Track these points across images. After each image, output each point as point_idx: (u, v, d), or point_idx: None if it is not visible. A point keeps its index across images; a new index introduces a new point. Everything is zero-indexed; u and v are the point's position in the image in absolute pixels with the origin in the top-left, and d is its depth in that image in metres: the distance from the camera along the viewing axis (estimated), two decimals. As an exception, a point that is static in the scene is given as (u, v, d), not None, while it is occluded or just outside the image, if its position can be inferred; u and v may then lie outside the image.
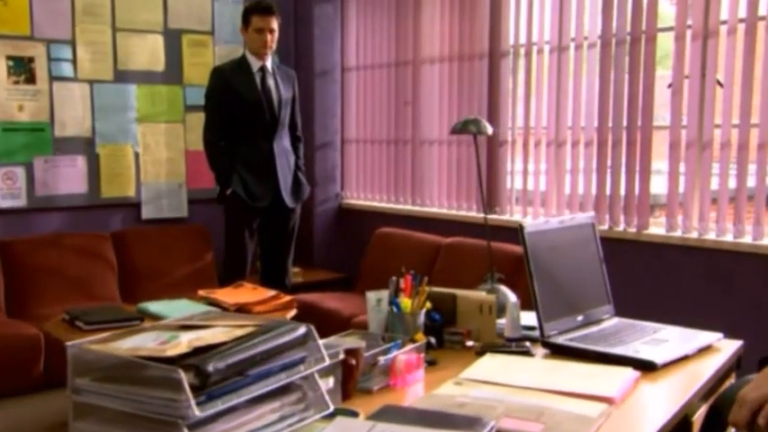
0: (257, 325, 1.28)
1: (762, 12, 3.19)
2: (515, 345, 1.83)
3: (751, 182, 3.31)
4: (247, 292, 3.53)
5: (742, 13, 3.23)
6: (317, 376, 1.30)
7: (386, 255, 4.22)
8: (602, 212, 3.76)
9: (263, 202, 3.98)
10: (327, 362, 1.31)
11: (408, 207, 4.74)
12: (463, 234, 4.14)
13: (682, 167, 3.50)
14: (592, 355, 1.78)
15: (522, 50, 4.09)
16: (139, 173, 4.59)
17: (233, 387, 1.15)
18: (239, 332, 1.24)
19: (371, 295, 1.86)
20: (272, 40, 3.93)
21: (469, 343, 1.88)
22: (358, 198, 5.12)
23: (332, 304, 4.08)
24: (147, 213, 4.64)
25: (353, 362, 1.49)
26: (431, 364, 1.72)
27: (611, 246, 3.74)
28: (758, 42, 3.20)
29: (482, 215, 4.29)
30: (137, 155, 4.58)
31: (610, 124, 3.70)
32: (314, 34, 5.00)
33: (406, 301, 1.83)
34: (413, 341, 1.72)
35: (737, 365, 1.96)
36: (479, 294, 1.94)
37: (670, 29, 3.50)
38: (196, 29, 4.70)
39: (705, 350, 1.90)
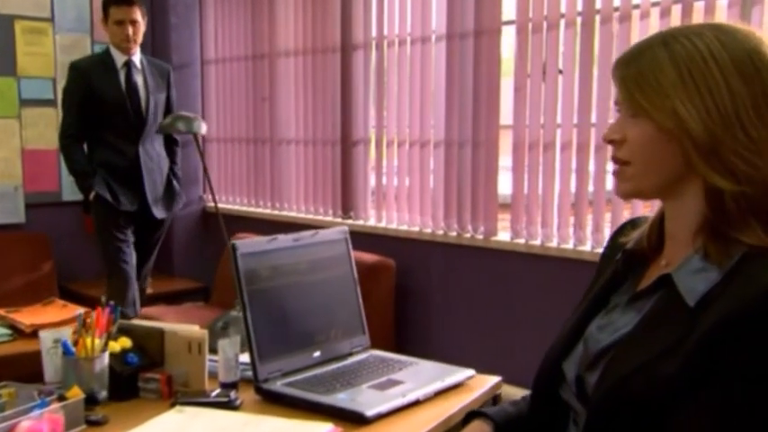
0: None
1: (598, 5, 2.97)
2: (218, 394, 1.55)
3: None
4: (54, 311, 3.22)
5: (580, 6, 3.01)
6: None
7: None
8: (450, 218, 3.52)
9: (129, 207, 3.64)
10: None
11: (268, 211, 4.45)
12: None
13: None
14: (303, 403, 1.51)
15: (374, 44, 3.82)
16: (-34, 174, 4.20)
17: None
18: None
19: (47, 335, 1.56)
20: (136, 32, 3.59)
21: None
22: (220, 201, 4.79)
23: (171, 319, 3.76)
24: (-25, 219, 4.25)
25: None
26: (95, 424, 1.42)
27: (460, 253, 3.60)
28: (595, 37, 2.98)
29: (339, 219, 4.06)
30: (-38, 154, 4.19)
31: (456, 123, 3.46)
32: (170, 23, 4.66)
33: (88, 341, 1.53)
34: (62, 398, 1.42)
35: (494, 403, 1.72)
36: (190, 330, 1.65)
37: (511, 22, 3.27)
38: (32, 15, 4.30)
39: (453, 389, 1.65)
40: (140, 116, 3.63)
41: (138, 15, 3.59)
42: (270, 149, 4.40)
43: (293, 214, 4.29)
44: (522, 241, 3.28)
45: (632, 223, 1.23)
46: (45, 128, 4.34)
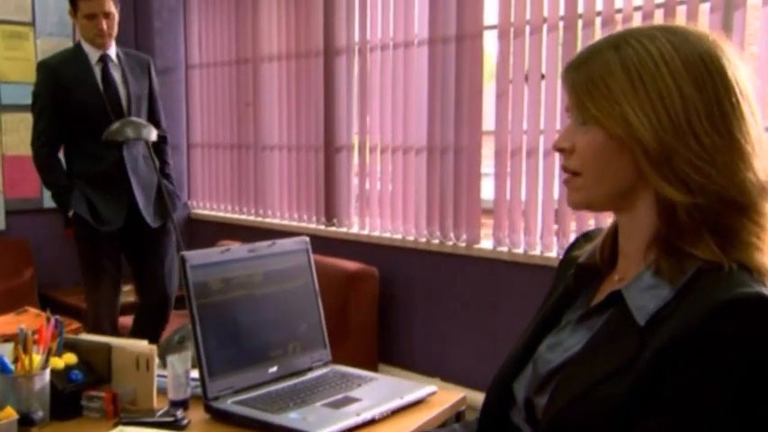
0: None
1: (580, 9, 2.91)
2: (164, 413, 1.48)
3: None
4: (28, 320, 3.13)
5: (562, 10, 2.95)
6: None
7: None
8: (433, 225, 3.46)
9: (113, 224, 3.20)
10: None
11: (252, 218, 4.38)
12: (303, 247, 3.80)
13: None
14: (252, 423, 1.45)
15: (356, 48, 3.76)
16: (-54, 181, 4.14)
17: None
18: None
19: (-13, 351, 1.49)
20: (111, 25, 3.18)
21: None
22: (205, 208, 4.74)
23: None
24: (-46, 226, 4.19)
25: None
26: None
27: (443, 261, 3.53)
28: (578, 42, 2.92)
29: (323, 227, 3.99)
30: (-59, 160, 4.12)
31: (438, 129, 3.39)
32: (154, 27, 4.60)
33: (23, 357, 1.47)
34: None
35: (457, 419, 1.65)
36: (138, 345, 1.59)
37: (494, 27, 3.20)
38: (12, 19, 4.24)
39: (414, 406, 1.58)
40: (121, 114, 3.18)
41: (112, 6, 3.19)
42: (254, 155, 4.34)
43: (277, 221, 4.23)
44: (505, 249, 3.21)
45: (586, 236, 1.17)
46: (26, 133, 4.21)
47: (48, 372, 1.47)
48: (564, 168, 1.03)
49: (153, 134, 2.22)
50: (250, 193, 4.39)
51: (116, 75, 3.26)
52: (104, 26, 3.16)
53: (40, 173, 3.30)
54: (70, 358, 1.54)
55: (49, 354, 1.48)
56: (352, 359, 3.43)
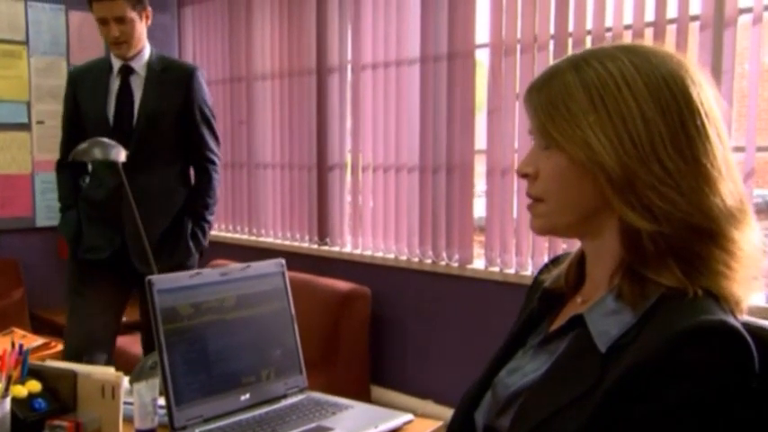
0: None
1: (571, 28, 2.88)
2: (127, 441, 1.44)
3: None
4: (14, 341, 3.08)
5: (552, 29, 2.92)
6: None
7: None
8: (425, 244, 3.41)
9: (96, 254, 2.79)
10: None
11: (245, 237, 4.35)
12: (296, 267, 3.76)
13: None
14: (217, 454, 1.40)
15: (349, 67, 3.73)
16: (-62, 199, 4.12)
17: None
18: None
19: (-53, 379, 1.44)
20: (126, 32, 2.72)
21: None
22: (199, 225, 4.70)
23: (137, 349, 3.64)
24: (-55, 246, 4.16)
25: None
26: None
27: (435, 281, 3.48)
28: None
29: (315, 246, 3.95)
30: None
31: (430, 148, 3.36)
32: (149, 47, 4.58)
33: (-13, 387, 1.42)
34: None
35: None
36: (104, 372, 1.54)
37: (485, 45, 3.18)
38: (6, 38, 4.23)
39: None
40: (126, 134, 2.73)
41: (127, 10, 2.72)
42: (247, 173, 4.31)
43: (270, 240, 4.19)
44: (496, 269, 3.17)
45: (555, 261, 1.13)
46: (18, 152, 4.27)
47: (8, 400, 1.42)
48: (527, 194, 0.99)
49: (122, 155, 2.11)
50: (243, 212, 4.36)
51: (137, 89, 2.80)
52: (116, 32, 2.72)
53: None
54: (34, 386, 1.50)
55: (9, 381, 1.43)
56: (343, 380, 3.43)
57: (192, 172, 2.96)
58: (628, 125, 0.89)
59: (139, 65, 2.80)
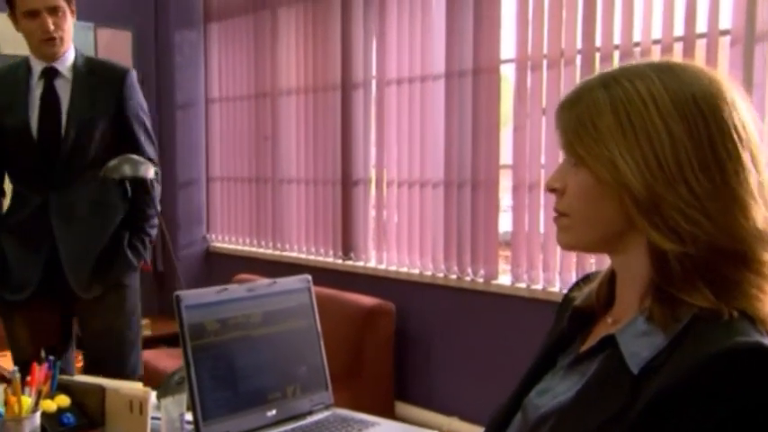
0: None
1: (598, 42, 2.86)
2: (154, 457, 1.44)
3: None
4: None
5: (579, 43, 2.91)
6: None
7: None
8: (450, 260, 3.40)
9: (20, 293, 2.44)
10: None
11: (270, 251, 4.36)
12: (320, 281, 3.76)
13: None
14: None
15: (374, 82, 3.74)
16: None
17: None
18: None
19: (-24, 393, 1.46)
20: (60, 25, 2.39)
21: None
22: (224, 242, 4.73)
23: (164, 363, 3.67)
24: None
25: None
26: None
27: (460, 297, 3.46)
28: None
29: (339, 260, 3.95)
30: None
31: (455, 163, 3.35)
32: (175, 63, 4.64)
33: (12, 400, 1.43)
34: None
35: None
36: (132, 388, 1.55)
37: (511, 60, 3.17)
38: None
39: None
40: (52, 148, 2.42)
41: (60, 0, 2.39)
42: (272, 189, 4.33)
43: (294, 255, 4.20)
44: (523, 285, 3.14)
45: (585, 278, 1.11)
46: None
47: (38, 415, 1.43)
48: (554, 209, 0.99)
49: (150, 172, 2.08)
50: (268, 227, 4.37)
51: (63, 94, 2.46)
52: (50, 25, 2.36)
53: None
54: (63, 400, 1.51)
55: (40, 396, 1.44)
56: (367, 396, 3.41)
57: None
58: (654, 146, 0.88)
59: (65, 67, 2.47)
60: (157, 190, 2.51)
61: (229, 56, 4.57)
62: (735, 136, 0.88)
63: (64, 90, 2.46)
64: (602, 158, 0.90)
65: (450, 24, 3.32)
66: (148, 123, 2.60)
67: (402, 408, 3.58)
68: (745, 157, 0.88)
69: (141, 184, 2.41)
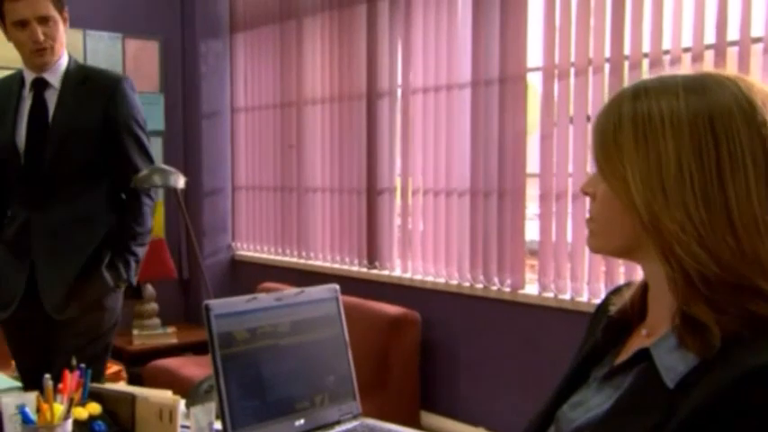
0: None
1: (627, 50, 2.84)
2: (184, 466, 1.44)
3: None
4: None
5: (608, 51, 2.89)
6: None
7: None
8: (476, 269, 3.38)
9: (5, 309, 2.40)
10: None
11: (295, 260, 4.37)
12: (345, 290, 3.75)
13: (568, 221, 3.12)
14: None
15: (399, 91, 3.74)
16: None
17: None
18: None
19: (9, 401, 1.47)
20: (51, 35, 2.33)
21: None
22: (249, 250, 4.75)
23: (189, 371, 3.68)
24: None
25: None
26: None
27: (486, 307, 3.43)
28: (624, 83, 2.85)
29: (365, 269, 3.95)
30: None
31: (481, 172, 3.33)
32: (201, 72, 4.68)
33: (45, 407, 1.43)
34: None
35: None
36: (161, 396, 1.55)
37: (538, 69, 3.15)
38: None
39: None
40: (36, 163, 2.37)
41: (50, 8, 2.32)
42: (297, 197, 4.34)
43: (319, 263, 4.20)
44: (550, 295, 3.11)
45: (616, 291, 1.10)
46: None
47: (70, 422, 1.43)
48: (589, 211, 0.99)
49: (181, 181, 2.07)
50: (293, 235, 4.38)
51: (52, 105, 2.40)
52: (40, 36, 2.30)
53: None
54: (94, 408, 1.51)
55: (71, 403, 1.45)
56: (393, 405, 3.40)
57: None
58: (662, 169, 0.87)
59: (55, 77, 2.40)
60: (147, 205, 2.43)
61: (255, 65, 4.60)
62: (748, 160, 0.85)
63: (52, 102, 2.40)
64: (616, 173, 0.91)
65: (476, 32, 3.32)
66: (142, 135, 2.47)
67: (428, 417, 3.56)
68: (753, 182, 0.85)
69: (133, 198, 2.38)
